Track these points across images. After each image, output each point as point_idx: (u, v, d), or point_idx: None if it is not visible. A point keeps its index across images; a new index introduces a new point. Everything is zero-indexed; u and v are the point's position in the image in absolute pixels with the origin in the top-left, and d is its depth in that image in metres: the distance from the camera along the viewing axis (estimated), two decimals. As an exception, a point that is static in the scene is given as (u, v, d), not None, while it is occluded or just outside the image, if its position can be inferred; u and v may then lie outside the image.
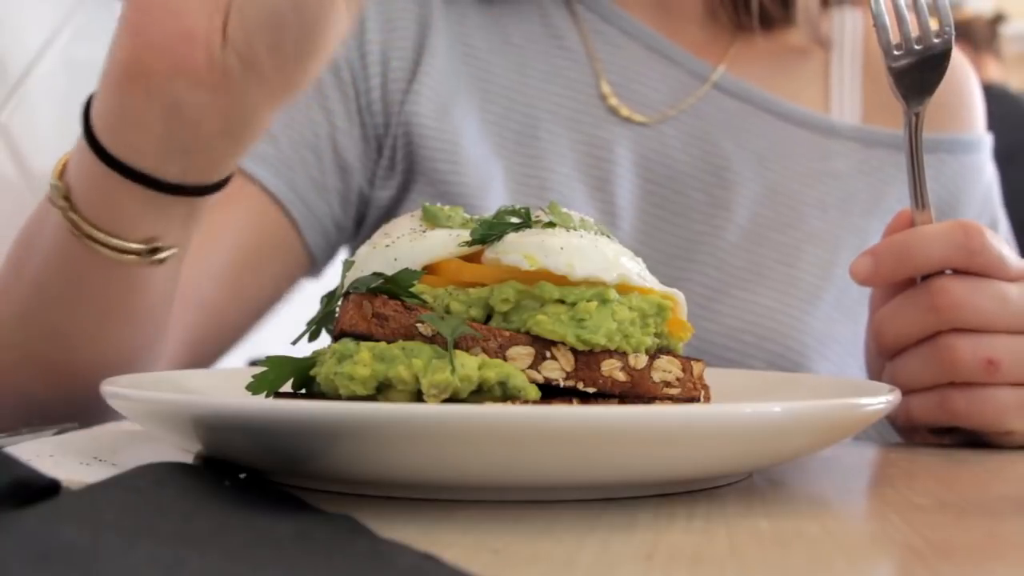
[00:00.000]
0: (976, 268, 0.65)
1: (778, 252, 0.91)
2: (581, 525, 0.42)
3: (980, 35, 3.29)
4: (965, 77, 1.01)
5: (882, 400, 0.50)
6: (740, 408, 0.45)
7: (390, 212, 0.93)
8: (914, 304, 0.67)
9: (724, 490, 0.51)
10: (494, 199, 0.88)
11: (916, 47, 0.68)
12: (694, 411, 0.45)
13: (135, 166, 0.59)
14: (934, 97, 0.82)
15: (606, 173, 0.92)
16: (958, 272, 0.66)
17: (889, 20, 0.69)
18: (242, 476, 0.47)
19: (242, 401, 0.46)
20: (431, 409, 0.42)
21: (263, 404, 0.44)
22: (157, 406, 0.49)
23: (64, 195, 0.61)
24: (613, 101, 0.94)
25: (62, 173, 0.63)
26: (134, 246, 0.62)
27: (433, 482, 0.46)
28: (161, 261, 0.63)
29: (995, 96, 2.89)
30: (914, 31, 0.68)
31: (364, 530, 0.37)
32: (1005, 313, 0.65)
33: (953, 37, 0.68)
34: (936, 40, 0.68)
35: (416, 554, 0.34)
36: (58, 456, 0.53)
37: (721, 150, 0.94)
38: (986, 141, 1.01)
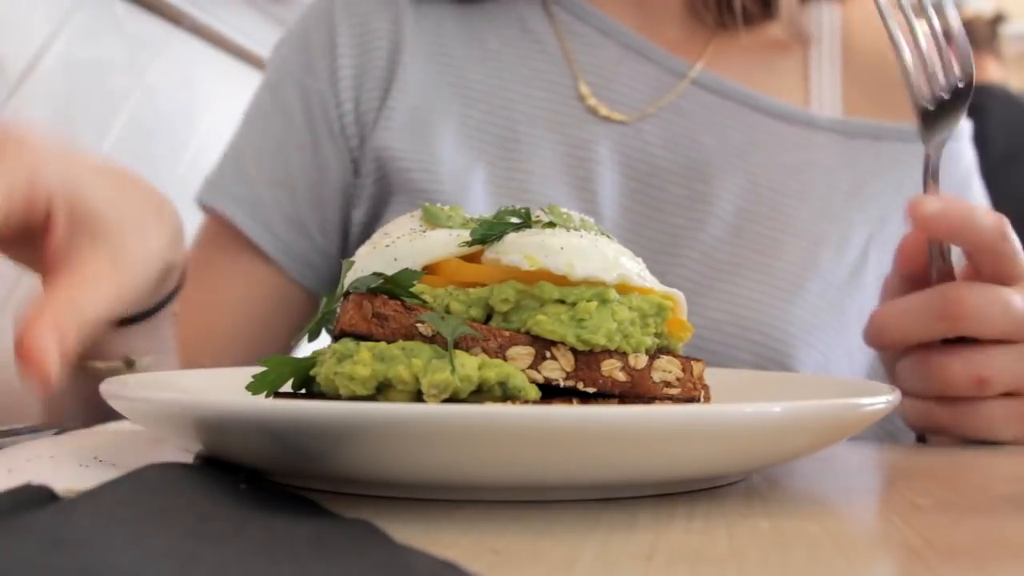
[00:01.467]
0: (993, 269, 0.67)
1: (760, 244, 0.91)
2: (581, 525, 0.42)
3: (980, 35, 3.29)
4: None
5: (882, 400, 0.50)
6: (740, 408, 0.45)
7: (369, 228, 0.94)
8: (926, 310, 0.67)
9: (724, 490, 0.51)
10: (474, 203, 0.89)
11: (942, 93, 0.69)
12: (694, 411, 0.45)
13: None
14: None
15: (588, 172, 0.93)
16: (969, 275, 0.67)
17: (915, 62, 0.69)
18: (243, 479, 0.47)
19: (243, 401, 0.46)
20: (431, 409, 0.41)
21: (264, 404, 0.44)
22: (158, 406, 0.49)
23: None
24: (592, 101, 0.95)
25: None
26: (115, 364, 0.69)
27: (433, 482, 0.46)
28: (135, 368, 0.70)
29: (996, 96, 2.89)
30: (939, 73, 0.69)
31: (381, 535, 0.37)
32: (1010, 323, 0.65)
33: (974, 78, 0.69)
34: (960, 84, 0.69)
35: (435, 561, 0.33)
36: (58, 456, 0.53)
37: (702, 145, 0.94)
38: (964, 128, 1.02)
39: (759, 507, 0.47)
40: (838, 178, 0.95)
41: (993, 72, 3.22)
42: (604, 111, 0.94)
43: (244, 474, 0.47)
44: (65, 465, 0.50)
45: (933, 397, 0.67)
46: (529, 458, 0.43)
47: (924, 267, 0.70)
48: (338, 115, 0.95)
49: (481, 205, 0.89)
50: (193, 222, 1.05)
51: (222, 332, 0.95)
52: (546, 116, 0.94)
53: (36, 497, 0.39)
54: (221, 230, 0.97)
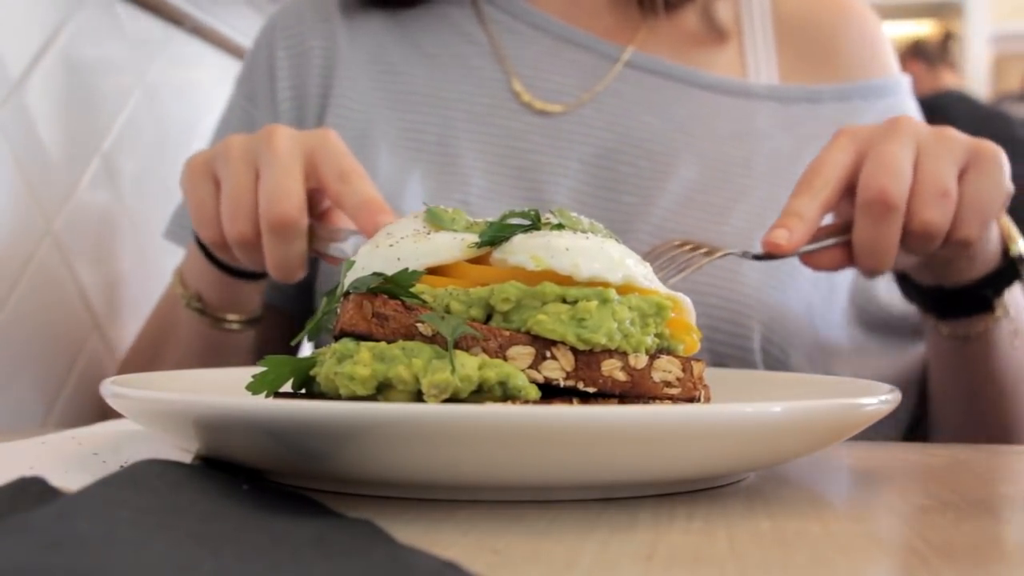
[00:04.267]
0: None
1: (709, 212, 0.93)
2: (581, 525, 0.42)
3: (932, 51, 3.64)
4: (869, 23, 1.04)
5: (882, 399, 0.50)
6: (741, 408, 0.45)
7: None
8: (906, 244, 0.72)
9: (724, 490, 0.51)
10: (411, 202, 0.91)
11: None
12: (695, 411, 0.45)
13: (241, 268, 0.84)
14: (844, 46, 0.98)
15: (527, 162, 0.94)
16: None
17: None
18: (245, 480, 0.47)
19: (242, 400, 0.46)
20: (431, 409, 0.41)
21: (263, 403, 0.44)
22: (158, 405, 0.48)
23: (197, 299, 0.88)
24: (526, 98, 0.97)
25: (183, 283, 0.88)
26: (247, 319, 0.89)
27: (434, 482, 0.46)
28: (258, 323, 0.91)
29: (957, 100, 3.09)
30: None
31: (384, 536, 0.37)
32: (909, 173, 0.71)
33: None
34: None
35: (437, 561, 0.33)
36: (58, 455, 0.53)
37: (643, 124, 0.96)
38: (903, 83, 1.04)
39: (760, 507, 0.47)
40: (779, 143, 0.97)
41: (950, 80, 3.56)
42: (539, 105, 0.96)
43: (246, 475, 0.46)
44: (65, 463, 0.50)
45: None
46: (530, 458, 0.43)
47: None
48: None
49: (419, 203, 0.91)
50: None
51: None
52: (482, 111, 0.96)
53: (30, 490, 0.39)
54: None
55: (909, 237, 0.71)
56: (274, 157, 0.73)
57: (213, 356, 0.90)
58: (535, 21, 1.00)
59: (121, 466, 0.46)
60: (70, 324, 1.00)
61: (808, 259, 0.74)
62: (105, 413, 0.93)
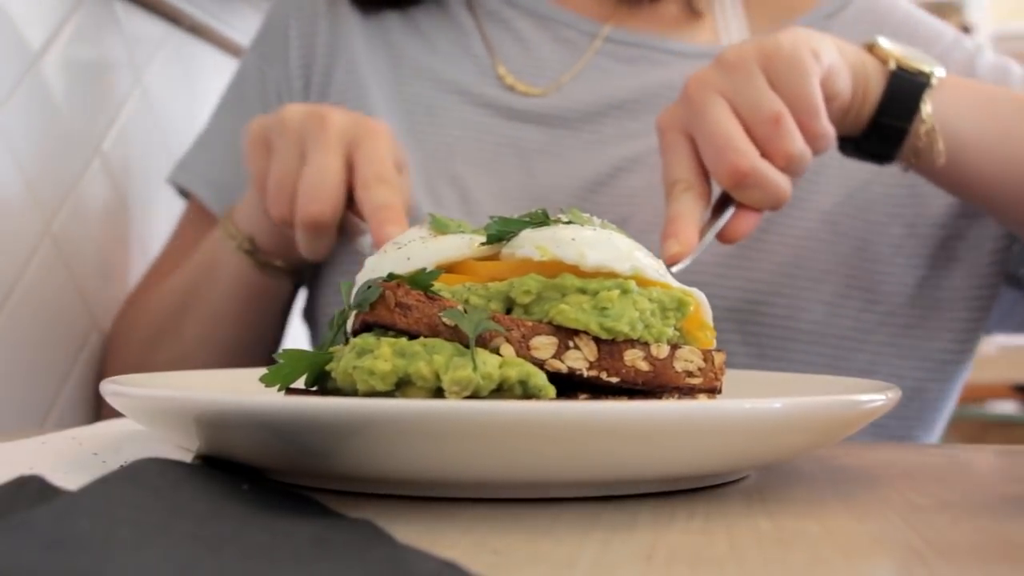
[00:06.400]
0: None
1: None
2: (581, 525, 0.42)
3: None
4: None
5: (882, 397, 0.50)
6: (740, 404, 0.45)
7: None
8: (787, 172, 0.73)
9: (724, 490, 0.51)
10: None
11: None
12: (695, 407, 0.45)
13: None
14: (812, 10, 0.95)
15: (514, 129, 0.98)
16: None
17: None
18: (246, 480, 0.47)
19: (245, 398, 0.46)
20: (433, 405, 0.41)
21: (264, 400, 0.44)
22: (158, 403, 0.48)
23: (249, 241, 0.91)
24: (509, 80, 1.00)
25: (235, 226, 0.91)
26: (292, 266, 0.93)
27: (436, 479, 0.46)
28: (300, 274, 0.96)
29: None
30: None
31: (384, 535, 0.37)
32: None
33: None
34: None
35: (437, 561, 0.33)
36: (58, 455, 0.53)
37: (623, 88, 0.98)
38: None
39: (759, 507, 0.47)
40: None
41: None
42: (523, 88, 0.99)
43: (246, 474, 0.46)
44: (66, 462, 0.50)
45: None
46: (531, 454, 0.43)
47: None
48: (288, 94, 1.02)
49: (412, 173, 0.94)
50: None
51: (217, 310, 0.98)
52: (469, 87, 1.00)
53: (30, 489, 0.39)
54: (197, 213, 1.03)
55: (784, 170, 0.72)
56: (320, 147, 0.76)
57: (251, 305, 0.94)
58: (513, 0, 1.03)
59: (121, 466, 0.46)
60: (70, 324, 1.00)
61: (724, 237, 0.74)
62: (105, 413, 0.93)
